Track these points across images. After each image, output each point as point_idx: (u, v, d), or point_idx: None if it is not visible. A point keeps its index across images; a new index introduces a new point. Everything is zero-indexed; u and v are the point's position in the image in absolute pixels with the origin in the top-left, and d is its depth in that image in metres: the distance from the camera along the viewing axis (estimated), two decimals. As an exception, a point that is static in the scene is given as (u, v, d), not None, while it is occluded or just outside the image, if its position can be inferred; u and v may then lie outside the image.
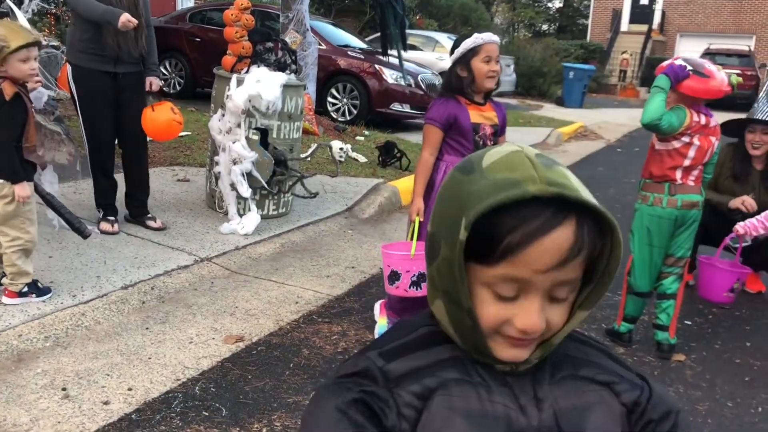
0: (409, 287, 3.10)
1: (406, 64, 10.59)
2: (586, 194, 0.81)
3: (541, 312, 0.82)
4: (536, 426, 0.86)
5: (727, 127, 4.10)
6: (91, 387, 2.95)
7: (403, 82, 10.54)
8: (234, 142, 5.04)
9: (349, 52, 10.82)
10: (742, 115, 4.38)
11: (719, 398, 3.29)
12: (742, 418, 3.13)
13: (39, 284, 3.60)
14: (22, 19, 3.87)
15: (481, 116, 3.35)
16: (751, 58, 23.00)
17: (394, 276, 3.12)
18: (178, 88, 11.21)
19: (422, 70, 11.41)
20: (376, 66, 10.48)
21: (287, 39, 6.05)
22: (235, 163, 5.07)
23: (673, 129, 3.33)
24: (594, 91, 23.06)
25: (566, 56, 23.32)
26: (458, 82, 3.32)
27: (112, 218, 4.73)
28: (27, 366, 3.07)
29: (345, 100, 10.61)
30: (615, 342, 3.75)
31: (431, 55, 15.27)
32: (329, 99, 10.64)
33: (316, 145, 5.62)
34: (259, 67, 5.18)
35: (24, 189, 3.41)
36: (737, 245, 3.91)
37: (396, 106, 10.53)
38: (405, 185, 6.55)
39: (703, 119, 3.41)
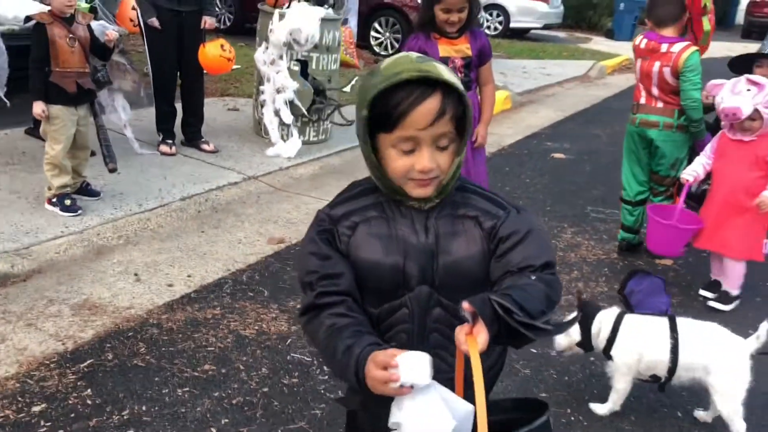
0: None
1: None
2: (449, 76, 1.27)
3: (432, 157, 1.29)
4: (423, 244, 1.34)
5: (735, 64, 4.17)
6: (158, 274, 3.57)
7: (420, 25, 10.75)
8: (277, 73, 5.53)
9: (392, -14, 11.04)
10: (757, 45, 4.53)
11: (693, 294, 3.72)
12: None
13: (67, 201, 4.01)
14: None
15: (451, 49, 3.52)
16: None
17: None
18: (228, 23, 11.67)
19: None
20: (419, 0, 10.71)
21: (327, -26, 6.42)
22: (278, 92, 5.57)
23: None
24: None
25: (619, -14, 22.71)
26: (425, 19, 3.54)
27: (170, 141, 5.33)
28: (105, 257, 3.71)
29: (387, 34, 10.92)
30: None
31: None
32: (372, 33, 10.97)
33: (356, 77, 6.06)
34: (299, 2, 5.60)
35: (37, 106, 3.81)
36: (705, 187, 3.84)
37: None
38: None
39: (644, 43, 3.80)
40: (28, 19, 4.01)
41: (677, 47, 3.69)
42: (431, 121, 1.26)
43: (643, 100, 3.88)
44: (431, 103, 1.25)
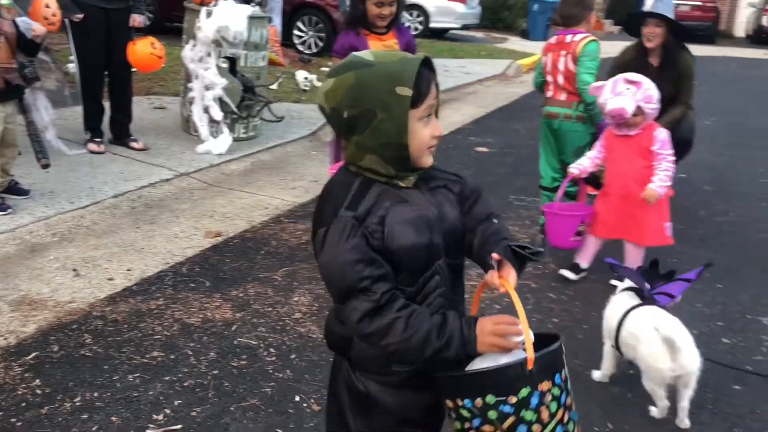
0: None
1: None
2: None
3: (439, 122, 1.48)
4: (435, 215, 1.49)
5: (629, 27, 4.69)
6: (97, 269, 3.58)
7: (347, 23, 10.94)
8: (206, 70, 5.56)
9: (313, -14, 11.14)
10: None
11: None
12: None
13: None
14: None
15: (381, 45, 3.72)
16: (710, -10, 23.43)
17: None
18: (148, 22, 11.47)
19: None
20: (340, -1, 10.85)
21: (252, -26, 6.49)
22: (207, 89, 5.61)
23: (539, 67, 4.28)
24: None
25: (532, -11, 23.51)
26: (356, 14, 3.73)
27: (98, 139, 5.29)
28: (41, 254, 3.69)
29: (311, 33, 11.02)
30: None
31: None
32: (295, 32, 11.04)
33: (284, 74, 6.16)
34: (226, 0, 5.65)
35: None
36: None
37: (360, 39, 10.96)
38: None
39: (554, 39, 4.14)
40: None
41: (578, 37, 4.01)
42: (437, 91, 1.46)
43: (550, 94, 4.17)
44: (434, 76, 1.46)
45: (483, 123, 8.05)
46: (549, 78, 4.16)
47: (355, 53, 1.47)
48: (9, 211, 3.99)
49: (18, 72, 4.01)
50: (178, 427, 2.41)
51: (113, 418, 2.44)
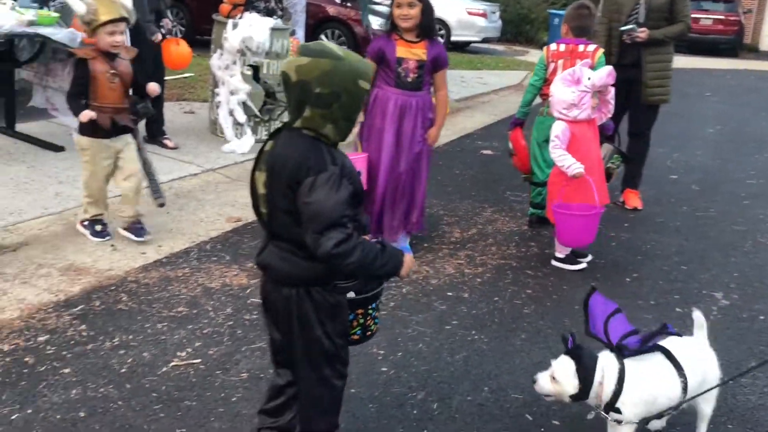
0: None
1: (385, 7, 11.56)
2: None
3: None
4: None
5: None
6: (131, 245, 4.12)
7: (377, 27, 11.49)
8: (231, 77, 6.14)
9: (336, 0, 11.75)
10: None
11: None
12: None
13: (98, 227, 4.10)
14: None
15: (408, 51, 3.93)
16: (734, 4, 23.64)
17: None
18: (179, 35, 12.17)
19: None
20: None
21: (276, -11, 7.06)
22: (232, 94, 6.18)
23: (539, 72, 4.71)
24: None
25: (554, 3, 23.95)
26: (390, 20, 4.01)
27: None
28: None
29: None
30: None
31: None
32: (319, 45, 11.61)
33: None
34: (251, 13, 6.23)
35: (84, 115, 3.79)
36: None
37: (380, 51, 11.51)
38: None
39: (563, 47, 4.58)
40: (71, 54, 3.94)
41: (592, 47, 4.55)
42: None
43: None
44: None
45: (492, 129, 8.50)
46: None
47: (325, 44, 1.97)
48: (108, 238, 4.09)
49: (131, 109, 4.06)
50: (198, 361, 2.92)
51: (145, 354, 2.96)
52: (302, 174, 1.93)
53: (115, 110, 3.95)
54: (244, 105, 6.19)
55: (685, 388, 2.35)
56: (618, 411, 2.32)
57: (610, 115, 4.33)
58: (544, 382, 2.37)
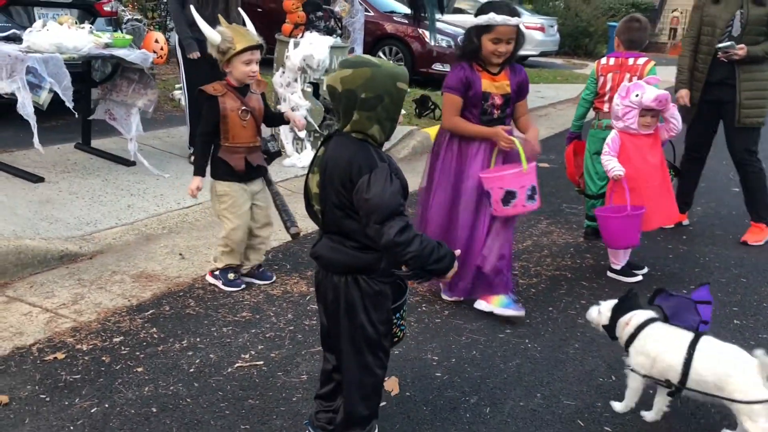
0: (526, 201, 3.46)
1: (449, 27, 11.69)
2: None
3: None
4: None
5: None
6: (198, 254, 4.33)
7: (444, 44, 11.63)
8: (292, 94, 6.36)
9: (394, 18, 11.96)
10: None
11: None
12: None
13: (231, 275, 3.81)
14: (249, 24, 3.97)
15: (492, 85, 3.48)
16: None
17: (509, 195, 3.43)
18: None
19: (461, 32, 12.46)
20: (419, 30, 11.60)
21: (336, 8, 7.28)
22: (293, 110, 6.38)
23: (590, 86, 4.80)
24: (643, 49, 23.40)
25: (613, 15, 23.66)
26: (471, 47, 3.47)
27: (201, 153, 6.08)
28: (153, 242, 4.48)
29: (391, 62, 11.78)
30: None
31: (475, 18, 16.20)
32: (377, 61, 11.82)
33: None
34: (311, 32, 6.45)
35: (194, 182, 3.61)
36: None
37: (437, 66, 11.66)
38: (435, 131, 7.73)
39: (612, 61, 4.61)
40: (200, 92, 3.69)
41: (642, 60, 4.55)
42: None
43: (607, 108, 4.63)
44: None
45: (549, 142, 8.51)
46: (609, 95, 4.60)
47: (362, 56, 2.14)
48: (242, 287, 3.81)
49: (262, 147, 3.86)
50: (261, 362, 3.07)
51: (211, 355, 3.12)
52: (354, 172, 2.09)
53: (247, 150, 3.69)
54: (305, 120, 6.39)
55: (686, 369, 2.49)
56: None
57: (674, 134, 4.22)
58: (592, 311, 2.88)
